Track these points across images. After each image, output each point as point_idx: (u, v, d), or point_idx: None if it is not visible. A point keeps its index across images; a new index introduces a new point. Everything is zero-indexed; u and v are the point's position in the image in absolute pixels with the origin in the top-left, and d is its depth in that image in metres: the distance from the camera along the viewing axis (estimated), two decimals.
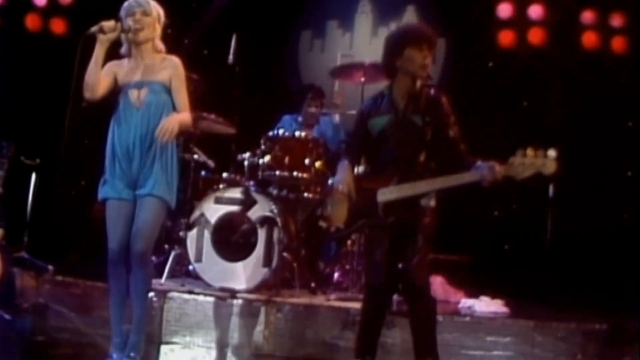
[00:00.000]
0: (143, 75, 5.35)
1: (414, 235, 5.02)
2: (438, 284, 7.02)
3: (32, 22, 9.89)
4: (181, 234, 6.93)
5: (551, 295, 7.52)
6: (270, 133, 7.07)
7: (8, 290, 6.62)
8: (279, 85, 9.24)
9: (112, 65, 5.40)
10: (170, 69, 5.38)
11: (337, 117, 8.11)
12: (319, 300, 6.61)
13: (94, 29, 5.18)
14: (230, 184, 7.09)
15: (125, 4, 5.35)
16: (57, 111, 9.33)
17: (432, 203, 5.10)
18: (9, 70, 9.42)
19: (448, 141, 5.07)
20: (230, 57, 7.38)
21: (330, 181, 5.65)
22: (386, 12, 9.76)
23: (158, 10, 5.41)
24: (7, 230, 6.86)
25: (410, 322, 5.16)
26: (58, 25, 9.93)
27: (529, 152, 4.71)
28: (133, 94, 5.32)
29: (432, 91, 5.20)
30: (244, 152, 7.20)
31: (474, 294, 7.09)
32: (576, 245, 8.51)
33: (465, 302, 6.89)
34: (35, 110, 9.35)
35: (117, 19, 5.29)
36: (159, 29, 5.42)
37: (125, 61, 5.44)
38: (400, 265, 4.99)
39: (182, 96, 5.39)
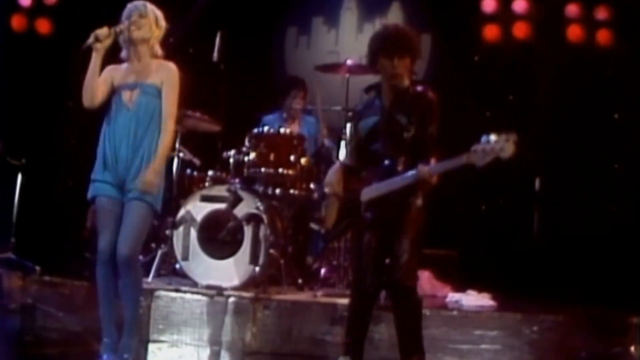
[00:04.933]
0: (137, 77, 5.31)
1: (400, 234, 5.02)
2: (425, 279, 7.03)
3: (17, 22, 9.86)
4: (167, 232, 6.96)
5: (538, 289, 7.55)
6: (255, 130, 7.07)
7: None
8: (264, 83, 9.22)
9: (109, 70, 5.37)
10: (164, 73, 5.35)
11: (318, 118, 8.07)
12: (307, 296, 6.64)
13: (89, 40, 5.16)
14: (216, 181, 7.11)
15: (125, 10, 5.35)
16: (42, 111, 9.45)
17: (419, 202, 5.08)
18: None
19: (419, 138, 5.06)
20: (215, 54, 7.37)
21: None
22: (371, 9, 9.75)
23: (155, 13, 5.40)
24: None
25: (395, 321, 5.16)
26: (43, 26, 9.89)
27: (492, 137, 4.66)
28: (125, 94, 5.28)
29: (419, 88, 5.21)
30: (230, 149, 7.19)
31: (461, 288, 7.14)
32: (563, 239, 8.52)
33: (453, 297, 6.92)
34: (21, 111, 9.32)
35: (110, 25, 5.27)
36: (157, 33, 5.40)
37: (123, 65, 5.41)
38: (386, 264, 5.00)
39: (169, 103, 5.33)
